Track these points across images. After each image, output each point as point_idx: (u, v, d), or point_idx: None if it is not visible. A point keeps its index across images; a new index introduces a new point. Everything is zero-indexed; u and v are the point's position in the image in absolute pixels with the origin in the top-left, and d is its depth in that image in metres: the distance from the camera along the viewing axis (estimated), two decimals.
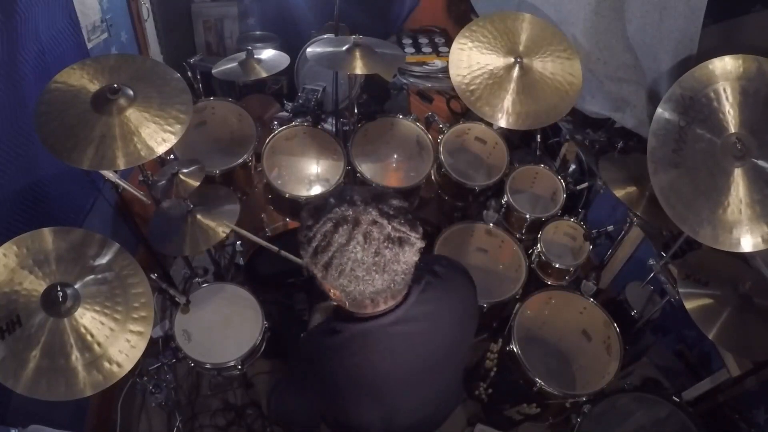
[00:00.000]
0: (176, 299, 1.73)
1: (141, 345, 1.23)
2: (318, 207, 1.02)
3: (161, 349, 1.91)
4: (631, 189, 1.84)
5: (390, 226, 0.97)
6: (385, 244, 0.97)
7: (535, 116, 1.83)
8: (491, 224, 2.14)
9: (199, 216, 1.86)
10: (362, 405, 1.16)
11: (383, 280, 0.99)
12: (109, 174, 1.60)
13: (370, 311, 1.08)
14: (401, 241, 0.98)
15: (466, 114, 2.76)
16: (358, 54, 1.98)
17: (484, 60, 1.87)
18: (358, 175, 2.18)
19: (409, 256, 1.00)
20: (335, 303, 1.10)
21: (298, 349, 1.27)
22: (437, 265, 1.19)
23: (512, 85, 1.83)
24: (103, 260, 1.28)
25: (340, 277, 0.98)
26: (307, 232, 1.01)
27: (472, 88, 1.87)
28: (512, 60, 1.84)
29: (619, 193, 1.83)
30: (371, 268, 0.97)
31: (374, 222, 0.97)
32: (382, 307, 1.07)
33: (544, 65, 1.85)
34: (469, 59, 1.89)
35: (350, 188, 1.04)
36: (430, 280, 1.14)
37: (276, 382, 1.34)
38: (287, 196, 2.06)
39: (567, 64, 1.83)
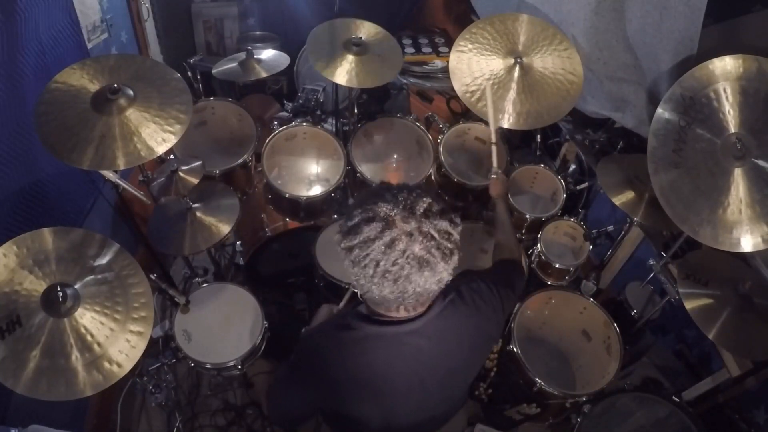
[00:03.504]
0: (176, 299, 1.73)
1: (141, 345, 1.23)
2: (374, 193, 1.01)
3: (161, 349, 1.91)
4: (630, 194, 1.84)
5: (421, 245, 0.95)
6: (407, 259, 0.95)
7: (536, 116, 1.83)
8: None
9: (199, 214, 1.86)
10: (361, 402, 1.16)
11: (391, 291, 0.97)
12: (109, 174, 1.60)
13: (383, 312, 1.08)
14: (422, 263, 0.96)
15: (466, 114, 2.76)
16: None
17: (485, 63, 1.87)
18: (358, 175, 2.18)
19: (426, 280, 0.98)
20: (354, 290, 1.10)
21: (302, 340, 1.27)
22: (465, 286, 1.18)
23: (513, 86, 1.83)
24: (103, 260, 1.28)
25: (354, 266, 0.99)
26: (351, 211, 1.01)
27: (473, 89, 1.87)
28: (512, 61, 1.84)
29: (618, 200, 1.83)
30: (384, 275, 0.96)
31: (408, 234, 0.95)
32: (395, 315, 1.07)
33: (544, 62, 1.85)
34: (470, 62, 1.89)
35: (415, 190, 1.01)
36: (454, 299, 1.13)
37: (273, 379, 1.34)
38: (287, 196, 2.06)
39: (567, 62, 1.83)
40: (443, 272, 0.99)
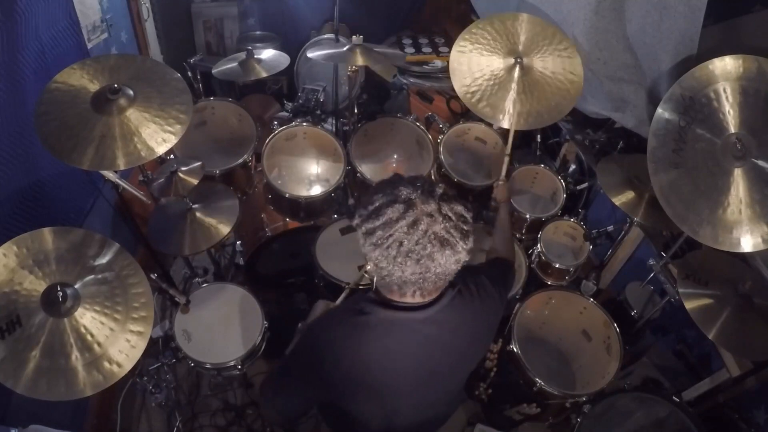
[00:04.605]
0: (176, 299, 1.73)
1: (141, 345, 1.23)
2: (389, 182, 1.05)
3: (161, 349, 1.91)
4: (630, 194, 1.85)
5: (441, 225, 0.98)
6: (429, 238, 0.97)
7: (536, 116, 1.83)
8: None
9: (198, 214, 1.86)
10: (365, 399, 1.15)
11: (413, 272, 0.99)
12: (109, 174, 1.60)
13: (397, 298, 1.08)
14: (443, 243, 0.99)
15: (466, 114, 2.76)
16: (358, 51, 1.99)
17: (485, 62, 1.87)
18: (358, 175, 2.18)
19: (447, 260, 1.00)
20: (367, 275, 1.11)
21: (306, 331, 1.26)
22: (471, 278, 1.20)
23: (513, 86, 1.83)
24: (103, 260, 1.28)
25: (376, 249, 1.00)
26: (369, 197, 1.04)
27: (473, 89, 1.87)
28: (512, 61, 1.84)
29: (618, 200, 1.84)
30: (407, 254, 0.98)
31: (429, 215, 0.98)
32: (410, 300, 1.08)
33: (544, 64, 1.85)
34: (470, 62, 1.89)
35: (426, 179, 1.05)
36: (462, 290, 1.15)
37: (267, 374, 1.33)
38: (287, 196, 2.06)
39: (567, 62, 1.83)
40: (462, 252, 1.02)
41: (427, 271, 0.99)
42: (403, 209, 0.98)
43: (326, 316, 1.28)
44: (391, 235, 0.98)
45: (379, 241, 0.99)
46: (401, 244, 0.97)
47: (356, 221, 1.04)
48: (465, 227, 1.02)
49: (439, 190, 1.02)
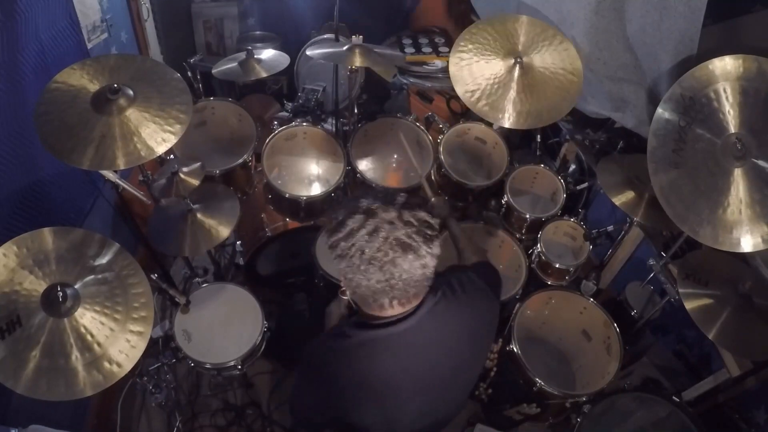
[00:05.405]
0: (176, 299, 1.73)
1: (141, 345, 1.23)
2: (352, 197, 1.09)
3: (161, 349, 1.91)
4: (630, 194, 1.85)
5: (402, 231, 0.99)
6: (390, 244, 0.98)
7: (536, 115, 1.83)
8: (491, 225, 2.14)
9: (199, 215, 1.86)
10: (363, 408, 1.16)
11: (378, 279, 1.00)
12: (109, 174, 1.60)
13: (377, 313, 1.08)
14: (405, 248, 0.99)
15: (466, 114, 2.76)
16: (357, 51, 1.99)
17: (485, 64, 1.87)
18: (358, 175, 2.18)
19: (411, 265, 1.00)
20: (346, 297, 1.13)
21: (303, 352, 1.28)
22: (455, 279, 1.19)
23: (513, 85, 1.83)
24: (103, 260, 1.28)
25: (341, 261, 1.02)
26: (335, 212, 1.07)
27: (473, 89, 1.87)
28: (512, 61, 1.84)
29: (618, 200, 1.84)
30: (370, 261, 0.99)
31: (390, 222, 0.99)
32: (389, 312, 1.07)
33: (543, 61, 1.84)
34: (470, 67, 1.88)
35: (391, 190, 1.07)
36: (446, 292, 1.14)
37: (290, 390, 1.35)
38: (287, 196, 2.06)
39: (566, 58, 1.82)
40: (427, 256, 1.02)
41: (392, 277, 1.00)
42: (364, 218, 1.00)
43: (317, 341, 1.29)
44: (353, 245, 0.99)
45: (343, 252, 1.01)
46: (363, 252, 0.99)
47: (324, 237, 1.06)
48: (429, 232, 1.03)
49: (401, 199, 1.04)
